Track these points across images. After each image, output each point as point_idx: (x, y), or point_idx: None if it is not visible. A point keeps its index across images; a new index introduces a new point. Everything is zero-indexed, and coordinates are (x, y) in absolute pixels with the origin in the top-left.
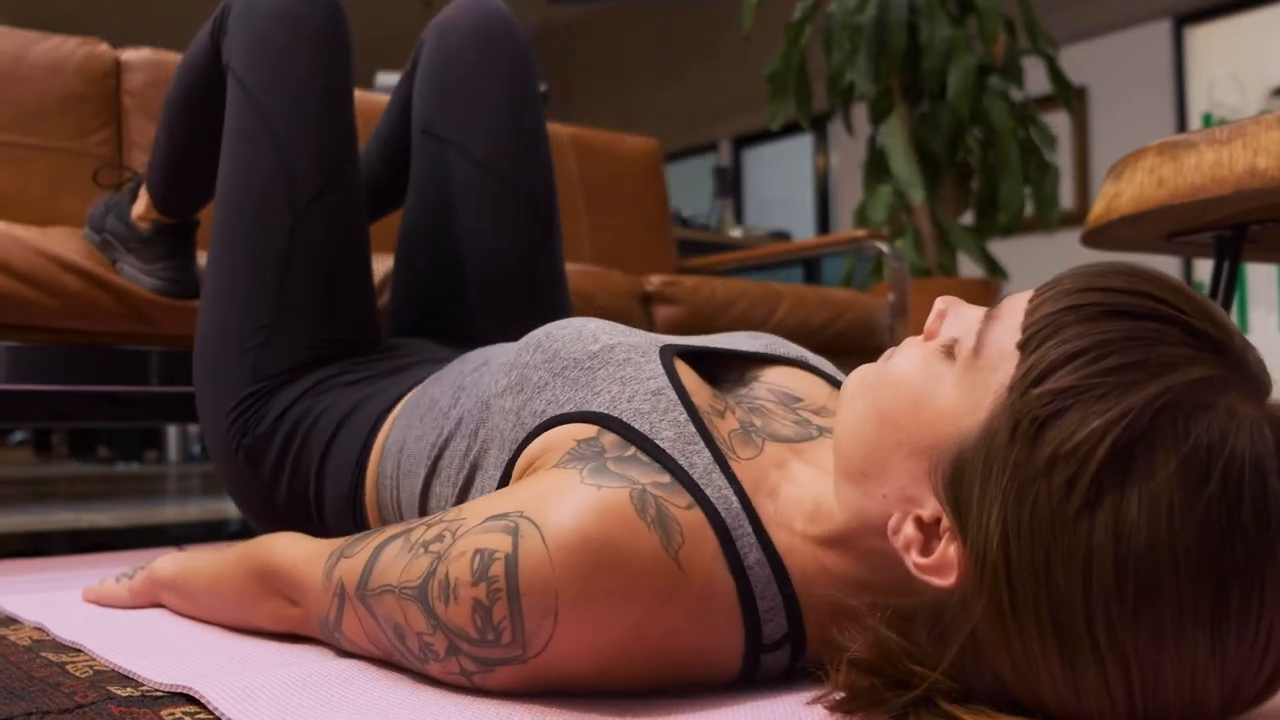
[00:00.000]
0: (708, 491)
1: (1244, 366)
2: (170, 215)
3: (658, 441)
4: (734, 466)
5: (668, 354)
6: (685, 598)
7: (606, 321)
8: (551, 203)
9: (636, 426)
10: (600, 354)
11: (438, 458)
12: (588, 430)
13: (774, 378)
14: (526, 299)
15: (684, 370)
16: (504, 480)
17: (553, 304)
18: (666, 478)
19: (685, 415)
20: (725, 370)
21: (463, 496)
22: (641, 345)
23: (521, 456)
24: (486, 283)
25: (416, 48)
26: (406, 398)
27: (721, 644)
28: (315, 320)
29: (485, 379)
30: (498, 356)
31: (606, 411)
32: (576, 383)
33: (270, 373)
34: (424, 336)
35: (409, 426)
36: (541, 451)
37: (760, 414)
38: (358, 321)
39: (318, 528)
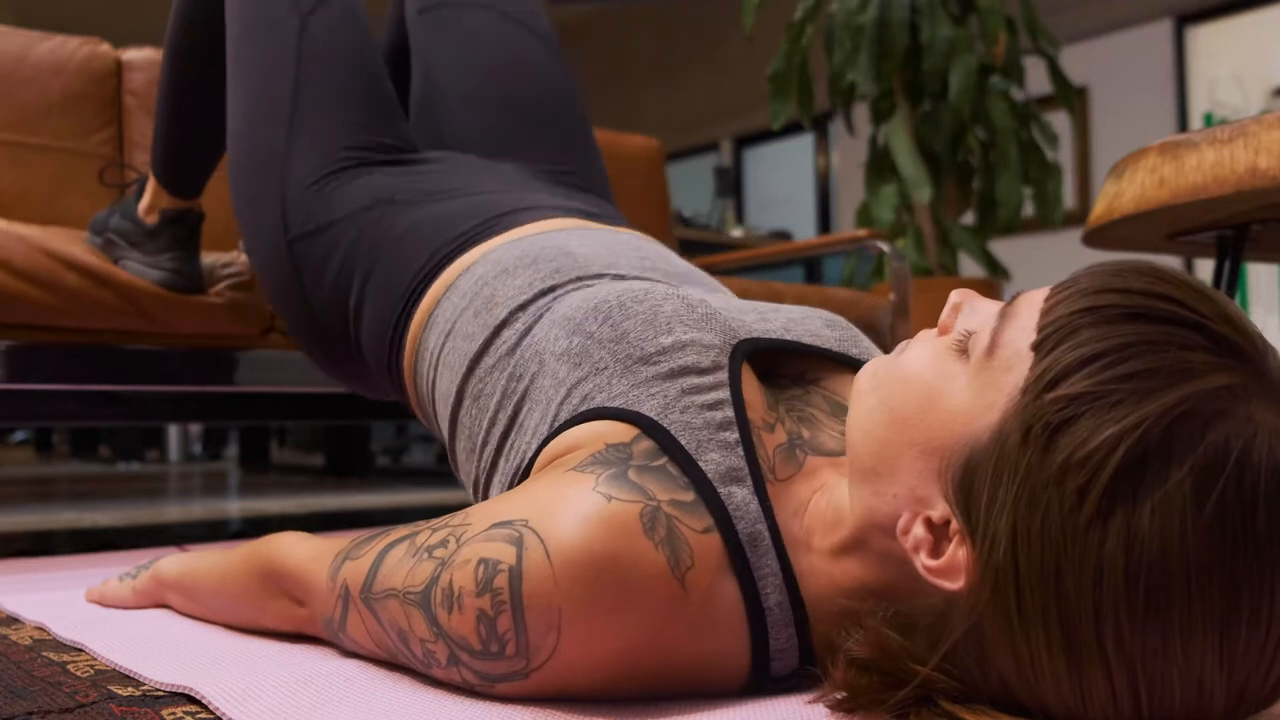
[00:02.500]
0: (739, 525)
1: (1263, 373)
2: (176, 192)
3: (700, 464)
4: (771, 490)
5: (739, 357)
6: (687, 618)
7: (685, 304)
8: (551, 29)
9: (682, 442)
10: (670, 350)
11: (480, 378)
12: (624, 433)
13: (833, 384)
14: (552, 109)
15: (748, 379)
16: (534, 454)
17: (577, 121)
18: (690, 496)
19: (736, 436)
20: (789, 362)
21: (499, 445)
22: (715, 345)
23: (553, 443)
24: (509, 91)
25: None
26: (465, 262)
27: (725, 668)
28: (338, 114)
29: (545, 322)
30: (568, 289)
31: (655, 418)
32: (636, 375)
33: (307, 170)
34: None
35: (462, 313)
36: (571, 446)
37: (809, 424)
38: (386, 121)
39: (352, 348)
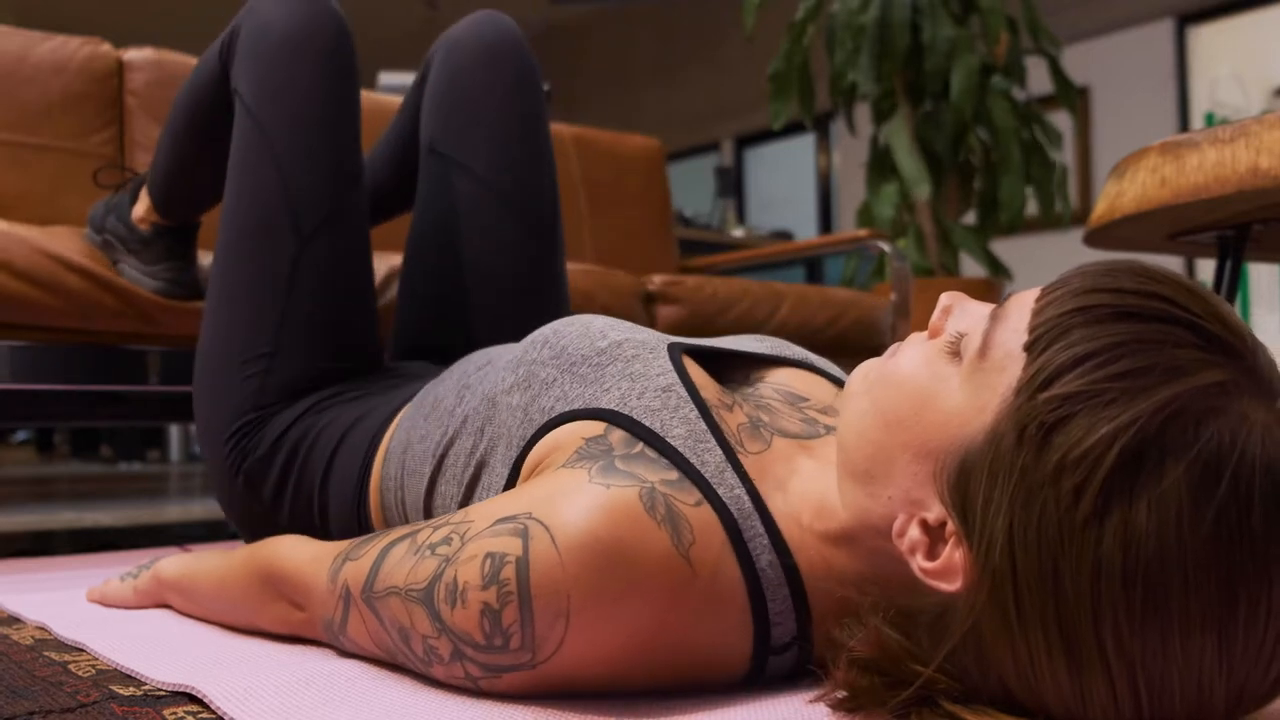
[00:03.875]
0: (719, 490)
1: (1255, 369)
2: (170, 220)
3: (669, 439)
4: (744, 461)
5: (676, 351)
6: (695, 596)
7: (613, 319)
8: (555, 219)
9: (646, 423)
10: (609, 350)
11: (443, 456)
12: (596, 428)
13: (779, 378)
14: (528, 317)
15: (692, 367)
16: (512, 478)
17: (554, 318)
18: (675, 474)
19: (695, 412)
20: (730, 371)
21: (468, 494)
22: (649, 342)
23: (530, 455)
24: (488, 304)
25: (426, 59)
26: (410, 403)
27: (730, 644)
28: (316, 348)
29: (490, 376)
30: (502, 355)
31: (616, 408)
32: (585, 379)
33: (270, 400)
34: (425, 359)
35: (413, 427)
36: (550, 450)
37: (768, 411)
38: (359, 347)
39: (324, 536)
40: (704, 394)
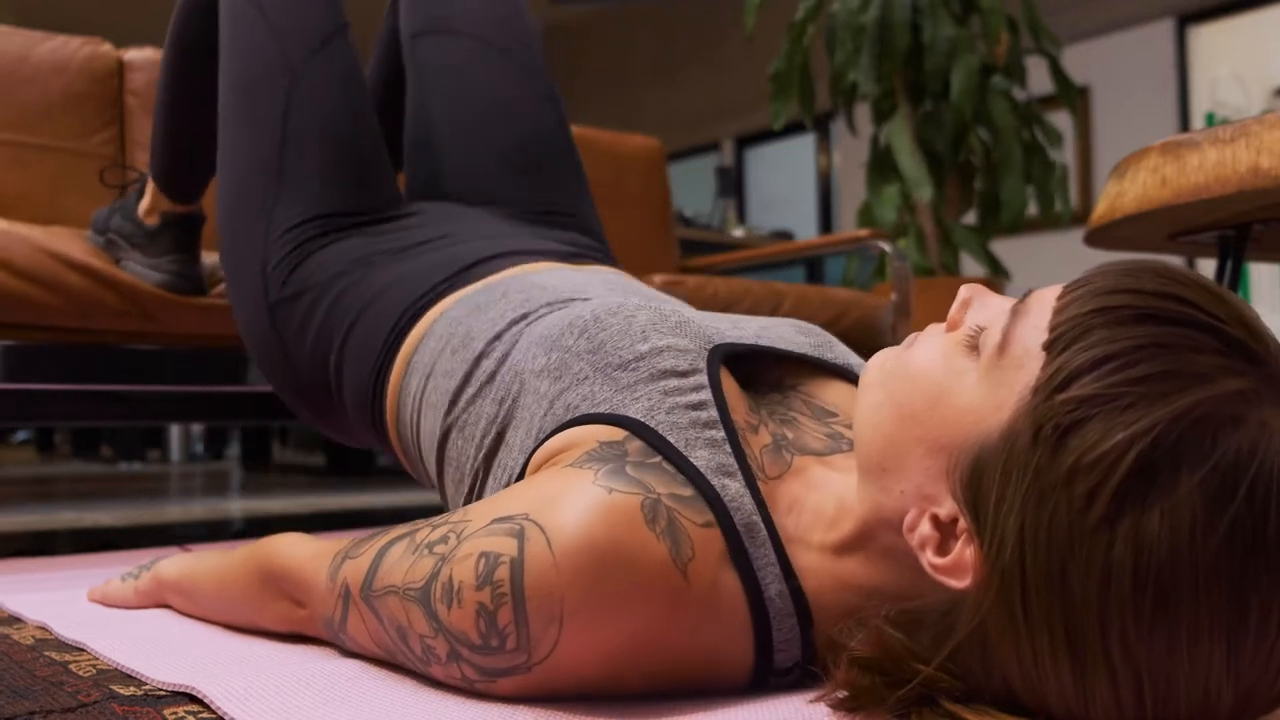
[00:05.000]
0: (736, 517)
1: (1277, 377)
2: (176, 198)
3: (691, 459)
4: (762, 487)
5: (716, 361)
6: (691, 608)
7: (658, 313)
8: (540, 60)
9: (671, 440)
10: (648, 356)
11: (463, 409)
12: (615, 433)
13: (811, 388)
14: (534, 152)
15: (728, 382)
16: (524, 466)
17: (560, 152)
18: (689, 491)
19: (723, 434)
20: (765, 370)
21: (486, 465)
22: (691, 350)
23: (544, 447)
24: (493, 138)
25: None
26: (441, 308)
27: (728, 660)
28: (326, 173)
29: (523, 344)
30: (540, 314)
31: (642, 420)
32: (617, 383)
33: (290, 227)
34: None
35: (440, 354)
36: (563, 447)
37: (792, 426)
38: (372, 176)
39: (335, 402)
40: (734, 415)
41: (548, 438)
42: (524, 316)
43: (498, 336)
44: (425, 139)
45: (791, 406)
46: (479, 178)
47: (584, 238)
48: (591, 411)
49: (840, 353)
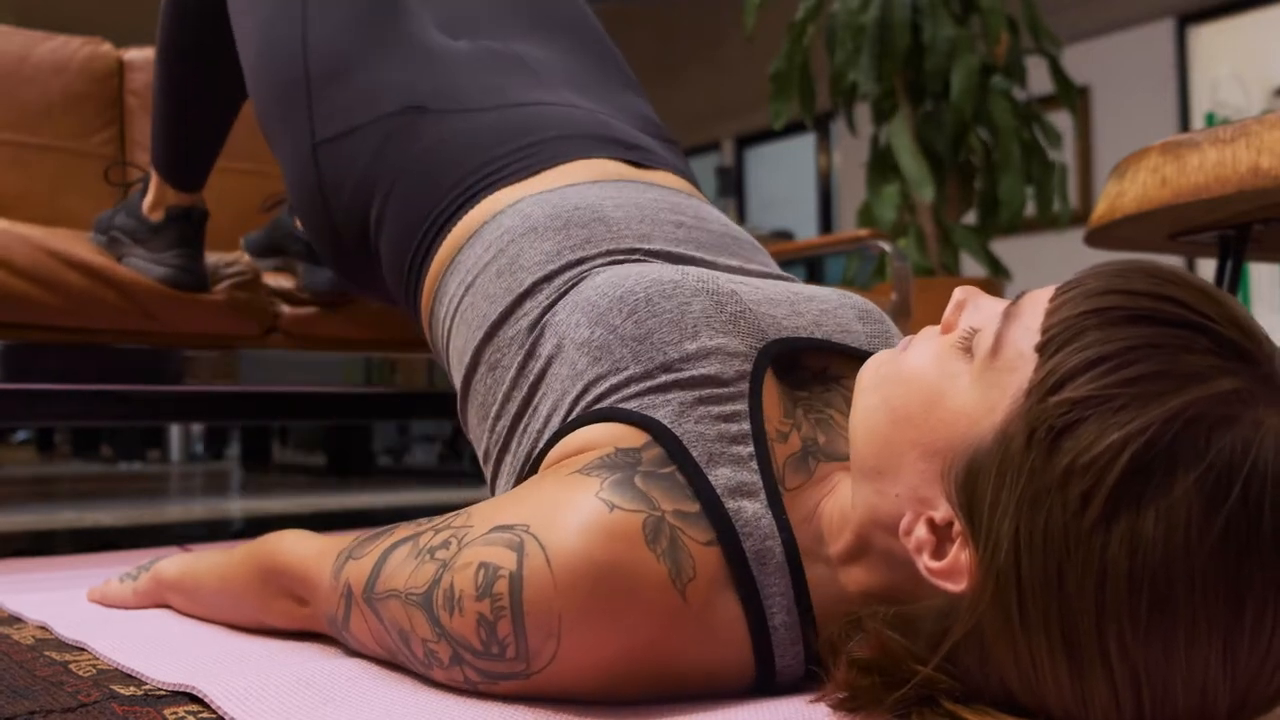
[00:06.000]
0: (746, 543)
1: (1270, 377)
2: (180, 186)
3: (710, 478)
4: (785, 501)
5: (765, 362)
6: (688, 628)
7: (714, 301)
8: None
9: (693, 454)
10: (693, 357)
11: (496, 348)
12: (636, 438)
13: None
14: (590, 33)
15: (769, 385)
16: (547, 447)
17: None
18: (695, 508)
19: (750, 450)
20: (814, 357)
21: (513, 427)
22: (741, 352)
23: (563, 442)
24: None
25: None
26: (495, 206)
27: (726, 676)
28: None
29: (570, 303)
30: (596, 265)
31: (668, 425)
32: (654, 379)
33: (331, 65)
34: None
35: (485, 267)
36: (582, 446)
37: (826, 428)
38: None
39: (373, 260)
40: (767, 426)
41: (574, 424)
42: (580, 262)
43: (548, 278)
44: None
45: (830, 403)
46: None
47: (640, 101)
48: (620, 407)
49: (898, 341)
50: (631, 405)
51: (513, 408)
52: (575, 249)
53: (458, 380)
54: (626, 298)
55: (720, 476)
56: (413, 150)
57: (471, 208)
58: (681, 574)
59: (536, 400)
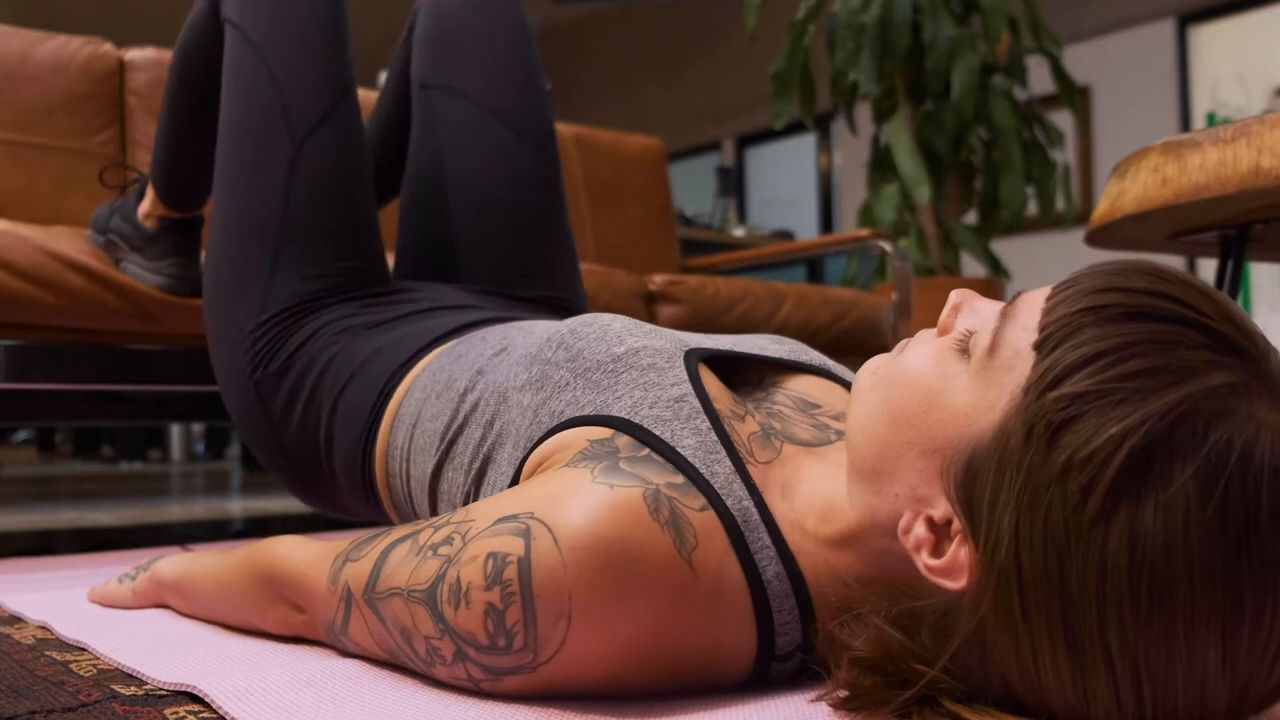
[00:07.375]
0: (728, 501)
1: (1265, 372)
2: (175, 208)
3: (679, 449)
4: (752, 471)
5: (692, 359)
6: (697, 599)
7: (632, 321)
8: (551, 141)
9: (656, 432)
10: (625, 357)
11: (451, 442)
12: (603, 432)
13: (793, 385)
14: (528, 235)
15: (707, 376)
16: (515, 477)
17: (555, 238)
18: (680, 479)
19: (707, 423)
20: (744, 374)
21: (476, 486)
22: (667, 350)
23: (533, 454)
24: (488, 218)
25: (412, 12)
26: (424, 364)
27: (732, 648)
28: (321, 248)
29: (504, 368)
30: (519, 343)
31: (627, 416)
32: (598, 385)
33: (280, 305)
34: (432, 279)
35: (425, 401)
36: (554, 450)
37: (779, 418)
38: (364, 252)
39: (325, 474)
40: (717, 405)
41: (536, 445)
42: (504, 349)
43: (480, 371)
44: (423, 181)
45: (775, 400)
46: (474, 255)
47: (567, 300)
48: (578, 415)
49: (815, 358)
50: (587, 410)
51: (474, 475)
52: (497, 345)
53: (424, 504)
54: (553, 338)
55: (687, 447)
56: (351, 366)
57: (404, 378)
58: (685, 544)
59: (496, 455)
